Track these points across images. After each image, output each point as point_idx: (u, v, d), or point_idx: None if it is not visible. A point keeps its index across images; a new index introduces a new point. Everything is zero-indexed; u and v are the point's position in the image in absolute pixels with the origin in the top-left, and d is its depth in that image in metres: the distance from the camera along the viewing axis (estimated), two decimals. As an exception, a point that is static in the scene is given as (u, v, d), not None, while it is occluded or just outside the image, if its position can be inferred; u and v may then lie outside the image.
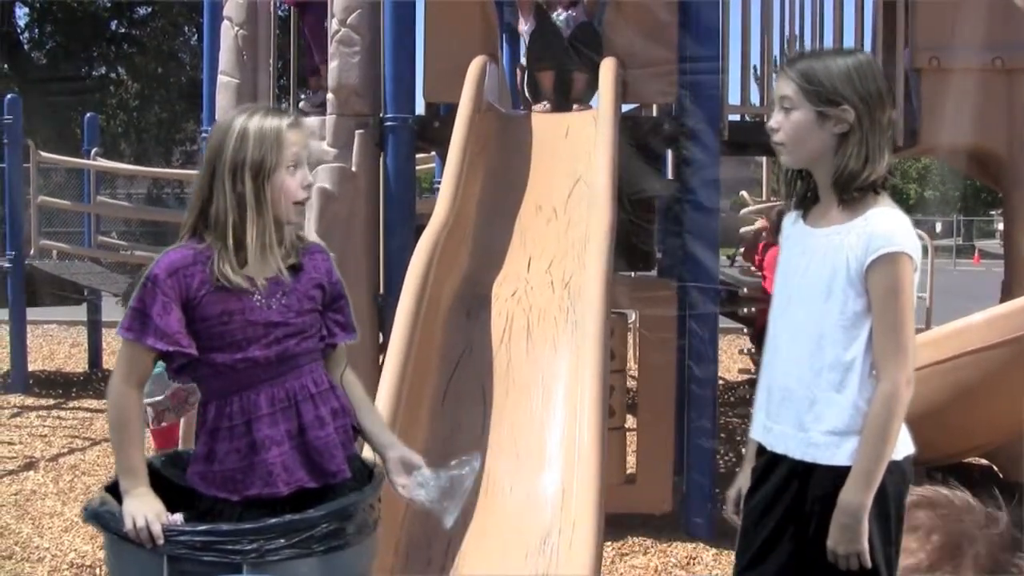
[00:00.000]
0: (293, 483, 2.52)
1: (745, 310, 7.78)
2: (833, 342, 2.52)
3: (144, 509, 2.39)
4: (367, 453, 2.78)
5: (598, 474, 3.47)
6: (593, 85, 5.74)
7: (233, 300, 2.51)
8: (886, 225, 2.48)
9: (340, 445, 2.60)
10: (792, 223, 2.72)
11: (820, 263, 2.56)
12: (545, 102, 5.75)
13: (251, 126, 2.53)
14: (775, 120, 2.61)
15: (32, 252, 10.15)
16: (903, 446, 2.53)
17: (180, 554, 2.34)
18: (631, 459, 5.69)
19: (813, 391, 2.54)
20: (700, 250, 5.51)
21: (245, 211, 2.50)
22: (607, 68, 5.48)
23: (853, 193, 2.52)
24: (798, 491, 2.57)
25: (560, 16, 5.90)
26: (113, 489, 2.53)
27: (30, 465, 6.72)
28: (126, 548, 2.39)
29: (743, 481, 2.77)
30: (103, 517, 2.44)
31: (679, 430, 5.56)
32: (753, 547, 2.66)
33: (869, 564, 2.46)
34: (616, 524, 5.12)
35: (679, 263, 5.60)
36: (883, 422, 2.45)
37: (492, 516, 3.66)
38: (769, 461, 2.65)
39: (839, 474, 2.48)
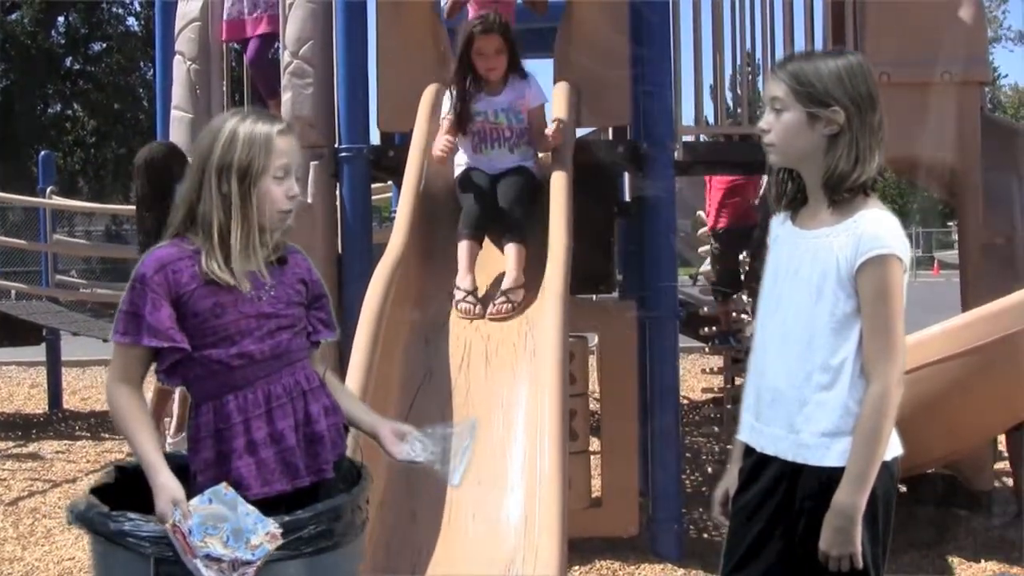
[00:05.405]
0: (288, 480, 2.54)
1: (706, 329, 7.79)
2: (823, 344, 2.53)
3: (163, 500, 2.39)
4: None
5: (560, 499, 3.45)
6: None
7: (224, 293, 2.52)
8: (876, 227, 2.50)
9: (332, 443, 2.64)
10: (781, 224, 2.73)
11: (810, 265, 2.57)
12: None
13: (241, 129, 2.55)
14: (766, 121, 2.62)
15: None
16: (891, 447, 2.56)
17: (167, 556, 2.32)
18: (596, 482, 5.66)
19: (803, 392, 2.55)
20: (659, 270, 5.52)
21: (231, 212, 2.52)
22: (561, 93, 5.49)
23: (843, 194, 2.53)
24: (787, 491, 2.58)
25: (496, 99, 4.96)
26: (99, 492, 2.52)
27: (-11, 509, 6.60)
28: (112, 550, 2.38)
29: (730, 482, 2.78)
30: (89, 519, 2.41)
31: (643, 452, 5.55)
32: (741, 547, 2.67)
33: (861, 565, 2.47)
34: (583, 548, 5.10)
35: (638, 285, 5.60)
36: (875, 424, 2.48)
37: (455, 544, 3.64)
38: (757, 462, 2.66)
39: (829, 475, 2.50)
